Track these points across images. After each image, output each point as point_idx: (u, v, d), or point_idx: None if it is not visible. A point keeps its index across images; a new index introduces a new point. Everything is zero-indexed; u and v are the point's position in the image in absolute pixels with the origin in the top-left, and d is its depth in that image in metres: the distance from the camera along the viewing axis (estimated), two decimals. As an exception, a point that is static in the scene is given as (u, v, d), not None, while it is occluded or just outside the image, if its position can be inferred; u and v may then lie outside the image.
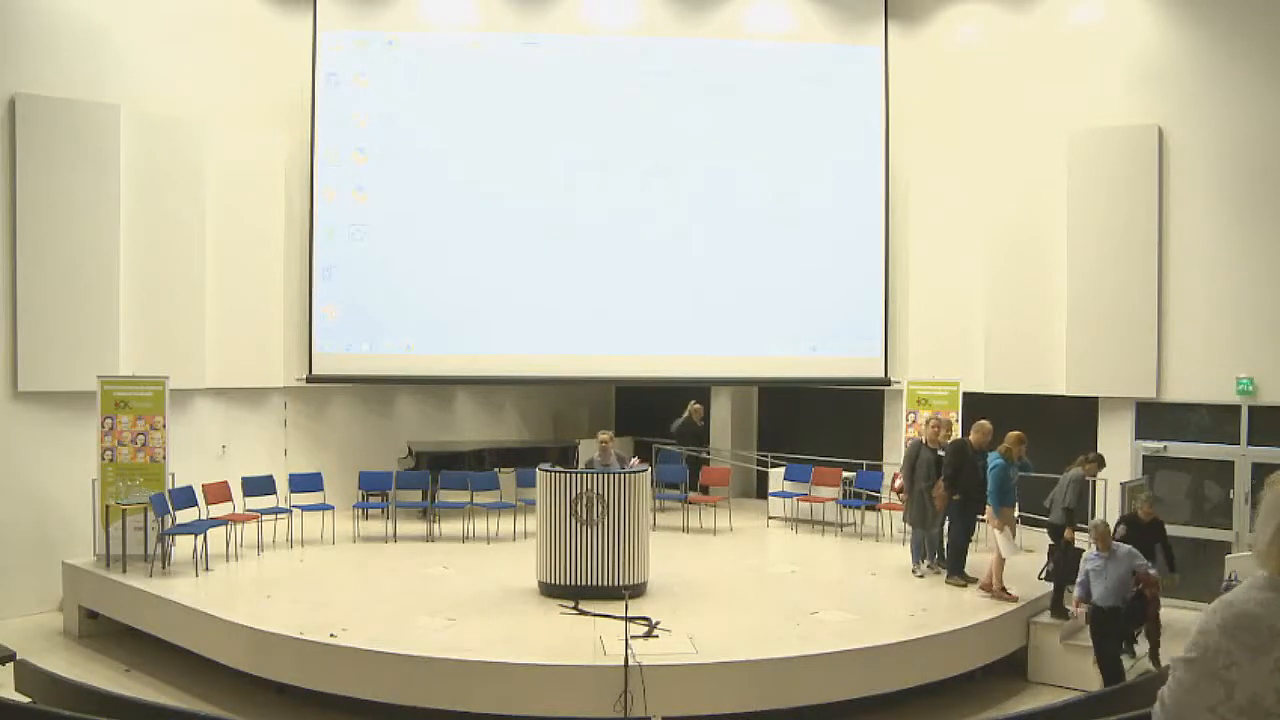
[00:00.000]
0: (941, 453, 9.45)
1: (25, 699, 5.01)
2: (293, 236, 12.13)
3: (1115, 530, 8.11)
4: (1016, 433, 8.94)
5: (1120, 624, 7.63)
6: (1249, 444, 10.11)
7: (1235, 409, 10.18)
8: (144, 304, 10.75)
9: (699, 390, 14.18)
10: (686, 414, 13.35)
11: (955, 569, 9.11)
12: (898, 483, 10.25)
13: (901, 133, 12.50)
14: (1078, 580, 7.77)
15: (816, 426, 13.55)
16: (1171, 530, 10.48)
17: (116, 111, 10.50)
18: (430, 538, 11.04)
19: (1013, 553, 8.73)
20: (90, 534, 9.60)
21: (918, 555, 9.63)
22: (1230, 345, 10.19)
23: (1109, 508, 9.69)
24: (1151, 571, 7.77)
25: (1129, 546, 7.76)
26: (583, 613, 7.92)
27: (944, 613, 8.17)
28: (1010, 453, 8.82)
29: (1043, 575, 8.81)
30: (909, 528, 9.83)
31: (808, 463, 12.38)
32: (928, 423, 10.09)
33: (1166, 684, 1.93)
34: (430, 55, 12.44)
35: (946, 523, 9.38)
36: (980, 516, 9.24)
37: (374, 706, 6.90)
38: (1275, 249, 10.02)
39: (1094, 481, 9.48)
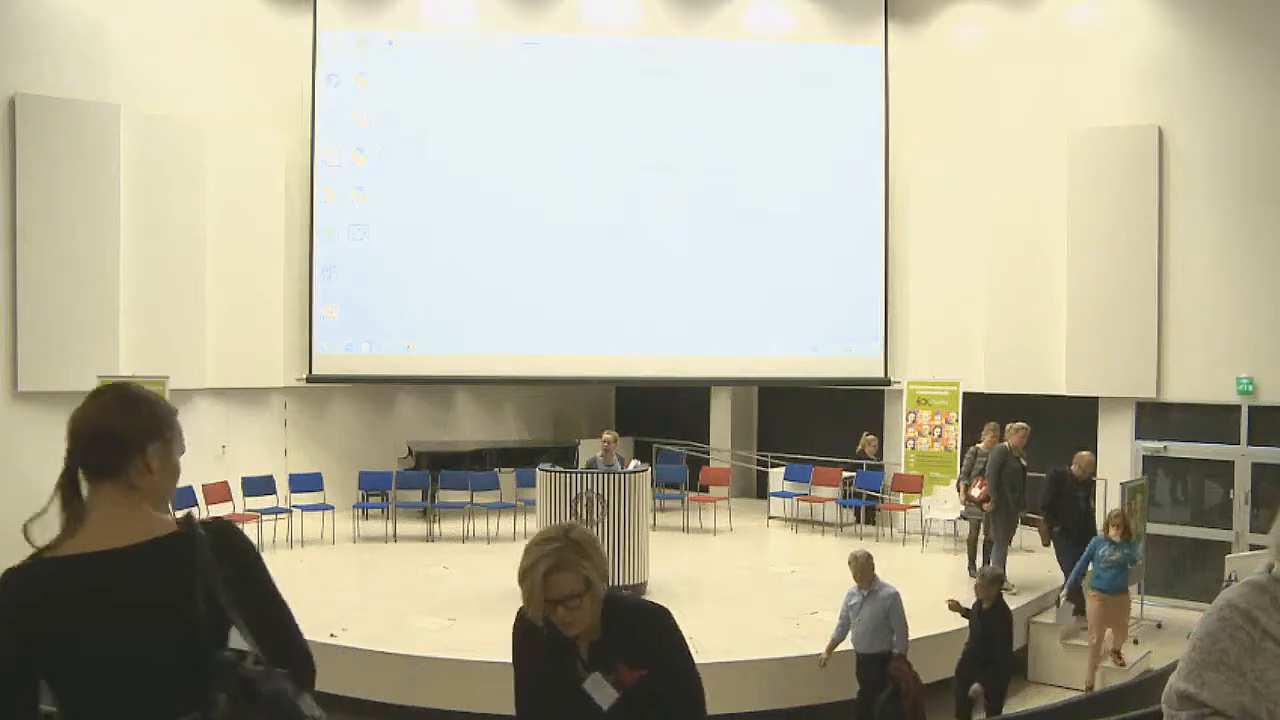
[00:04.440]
0: (1024, 461, 8.97)
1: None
2: (293, 236, 12.12)
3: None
4: (1114, 509, 8.20)
5: (878, 673, 6.58)
6: (1249, 444, 10.11)
7: (1235, 409, 10.18)
8: (144, 304, 10.75)
9: (699, 391, 14.18)
10: (860, 446, 12.34)
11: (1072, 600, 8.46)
12: (978, 491, 9.14)
13: (901, 133, 12.49)
14: (838, 621, 6.83)
15: (816, 426, 13.53)
16: (1172, 530, 10.51)
17: (116, 111, 10.50)
18: (430, 538, 11.04)
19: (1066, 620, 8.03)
20: (90, 534, 9.58)
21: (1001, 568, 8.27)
22: (1230, 345, 10.17)
23: (1109, 509, 9.64)
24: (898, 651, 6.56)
25: (894, 589, 6.64)
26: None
27: (944, 613, 8.15)
28: (1105, 528, 7.95)
29: None
30: (993, 542, 8.95)
31: (808, 463, 12.37)
32: (1014, 430, 8.96)
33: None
34: (430, 55, 12.44)
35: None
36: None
37: (374, 706, 6.90)
38: (1275, 249, 10.01)
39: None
